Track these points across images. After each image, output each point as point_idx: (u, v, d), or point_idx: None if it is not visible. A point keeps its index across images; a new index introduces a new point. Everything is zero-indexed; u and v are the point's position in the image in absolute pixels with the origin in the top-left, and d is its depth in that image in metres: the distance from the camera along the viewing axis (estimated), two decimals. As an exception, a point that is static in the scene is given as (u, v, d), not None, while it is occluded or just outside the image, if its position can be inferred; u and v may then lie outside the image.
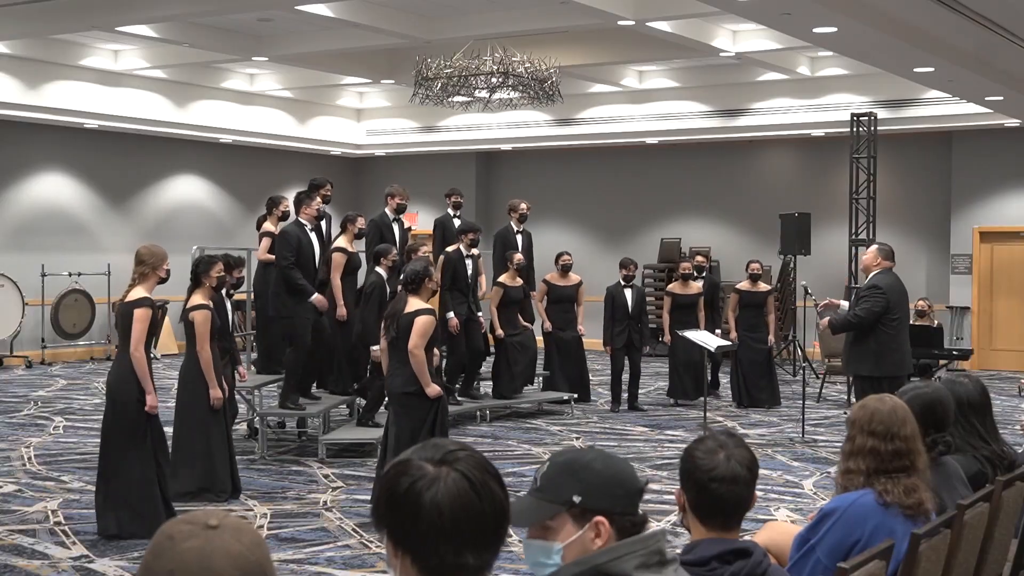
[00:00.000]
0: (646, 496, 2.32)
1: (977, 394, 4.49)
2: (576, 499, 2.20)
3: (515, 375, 11.80)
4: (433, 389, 7.37)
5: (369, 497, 7.57)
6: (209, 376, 7.69)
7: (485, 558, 1.74)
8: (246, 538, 1.47)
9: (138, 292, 6.84)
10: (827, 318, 8.63)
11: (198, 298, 7.79)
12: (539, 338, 12.27)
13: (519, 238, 12.19)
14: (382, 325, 7.67)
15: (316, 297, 9.67)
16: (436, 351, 7.92)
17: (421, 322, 7.33)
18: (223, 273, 8.15)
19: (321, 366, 10.23)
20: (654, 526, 2.27)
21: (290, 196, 10.94)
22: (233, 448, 8.15)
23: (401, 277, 7.77)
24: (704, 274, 13.33)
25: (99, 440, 7.22)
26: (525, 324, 11.99)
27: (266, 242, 10.53)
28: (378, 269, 9.75)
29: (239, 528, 1.48)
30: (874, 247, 8.61)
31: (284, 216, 10.65)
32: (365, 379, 10.16)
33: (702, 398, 11.78)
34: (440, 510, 1.70)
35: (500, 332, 11.66)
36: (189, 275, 8.00)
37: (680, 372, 12.69)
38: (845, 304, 8.77)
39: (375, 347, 8.92)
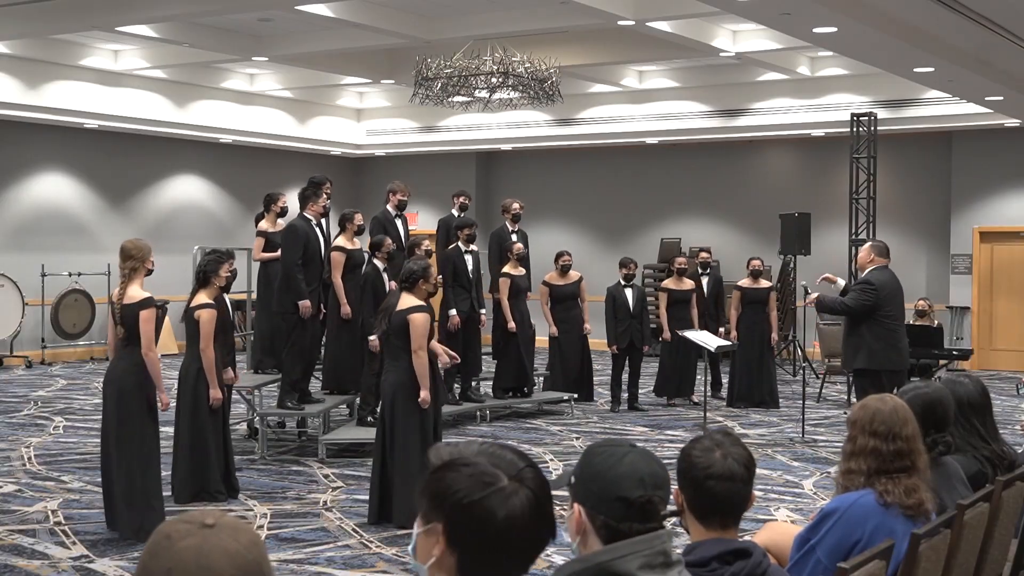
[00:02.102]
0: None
1: (977, 394, 4.49)
2: (572, 479, 2.31)
3: (515, 372, 11.77)
4: (426, 395, 7.16)
5: (369, 497, 7.52)
6: (211, 376, 7.67)
7: (525, 570, 1.81)
8: (243, 537, 1.47)
9: (137, 290, 6.79)
10: (816, 294, 8.70)
11: (204, 297, 7.75)
12: (541, 338, 12.25)
13: (514, 238, 12.16)
14: (376, 319, 7.56)
15: (303, 303, 9.50)
16: (447, 355, 7.78)
17: (417, 321, 7.11)
18: (232, 271, 8.09)
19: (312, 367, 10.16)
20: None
21: (289, 196, 10.90)
22: (232, 449, 8.16)
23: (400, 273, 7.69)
24: (708, 271, 13.33)
25: (99, 439, 7.21)
26: (531, 324, 11.94)
27: (259, 241, 10.47)
28: (374, 261, 9.73)
29: (236, 527, 1.48)
30: (868, 244, 8.64)
31: (282, 212, 10.59)
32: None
33: (700, 398, 11.77)
34: (513, 525, 1.75)
35: (512, 325, 11.59)
36: (194, 275, 7.96)
37: (669, 370, 12.68)
38: (842, 281, 8.83)
39: (372, 337, 8.91)
